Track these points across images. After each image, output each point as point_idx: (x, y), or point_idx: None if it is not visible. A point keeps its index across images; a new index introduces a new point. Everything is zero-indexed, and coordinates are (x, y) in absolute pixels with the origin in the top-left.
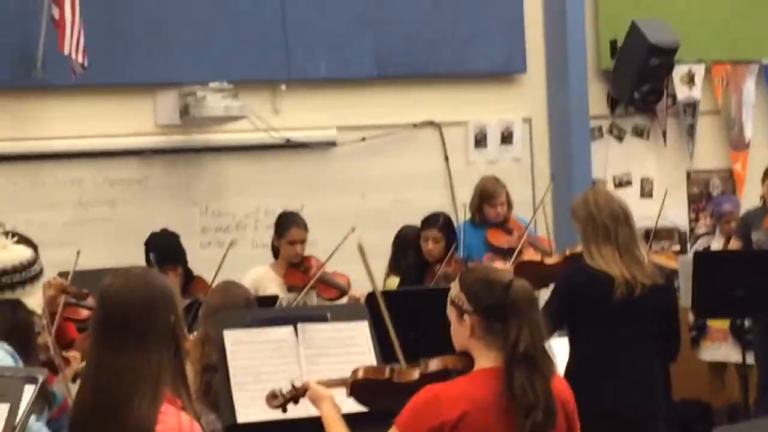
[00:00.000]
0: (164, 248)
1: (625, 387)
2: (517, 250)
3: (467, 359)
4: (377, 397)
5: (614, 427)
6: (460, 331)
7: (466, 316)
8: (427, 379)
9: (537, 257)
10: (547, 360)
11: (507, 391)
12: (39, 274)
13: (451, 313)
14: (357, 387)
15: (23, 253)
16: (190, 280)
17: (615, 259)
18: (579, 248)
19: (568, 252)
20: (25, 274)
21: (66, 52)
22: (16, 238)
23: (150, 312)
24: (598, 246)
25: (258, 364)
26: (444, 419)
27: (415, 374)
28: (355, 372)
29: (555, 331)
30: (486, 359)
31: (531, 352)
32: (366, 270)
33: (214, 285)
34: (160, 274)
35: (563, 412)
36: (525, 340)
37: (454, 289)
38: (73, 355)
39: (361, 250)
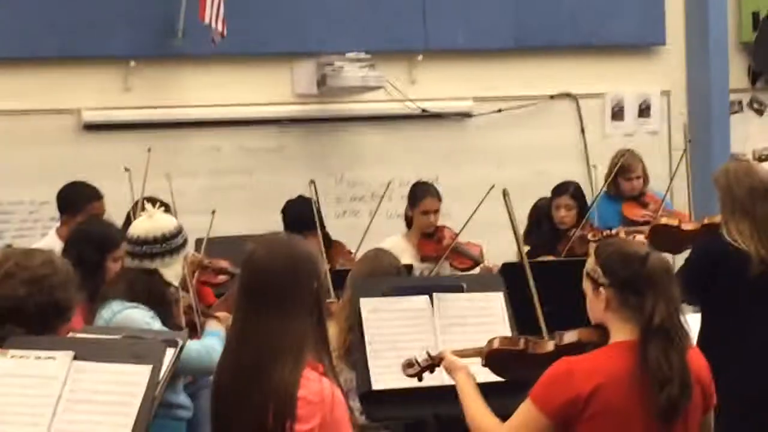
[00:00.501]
0: (300, 214)
1: (756, 367)
2: (653, 224)
3: (602, 332)
4: (512, 367)
5: (743, 408)
6: (596, 304)
7: (602, 289)
8: (562, 351)
9: (675, 221)
10: (683, 334)
11: (642, 364)
12: (180, 247)
13: (587, 285)
14: (492, 357)
15: (167, 224)
16: (329, 245)
17: (752, 235)
18: (718, 218)
19: (707, 220)
20: (165, 245)
21: (206, 21)
22: (163, 208)
23: (293, 279)
24: (736, 220)
25: (393, 332)
26: (578, 392)
27: (550, 346)
28: (490, 342)
29: (685, 303)
30: (621, 332)
31: (667, 325)
32: (509, 217)
33: (357, 253)
34: (303, 240)
35: (699, 385)
36: (660, 314)
37: (590, 261)
38: (222, 315)
39: (506, 196)
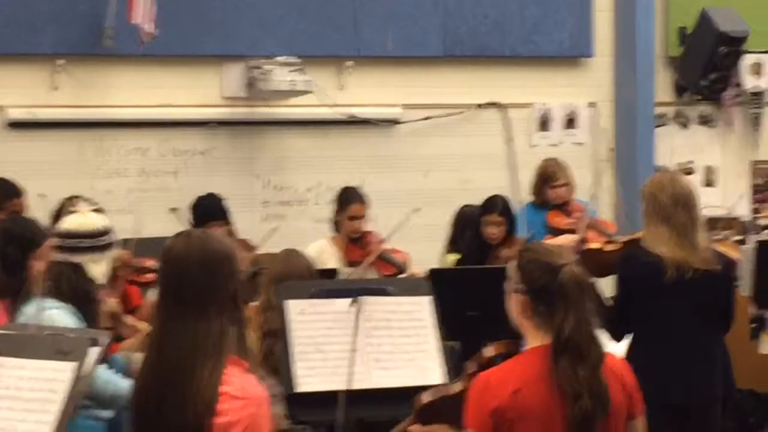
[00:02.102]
0: (208, 206)
1: (679, 373)
2: (579, 234)
3: (509, 345)
4: (445, 414)
5: (671, 413)
6: (513, 307)
7: (516, 294)
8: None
9: (598, 245)
10: (594, 348)
11: (557, 372)
12: (108, 245)
13: (507, 287)
14: (423, 414)
15: (98, 221)
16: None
17: (669, 240)
18: (638, 234)
19: (628, 237)
20: (93, 242)
21: (136, 21)
22: (95, 207)
23: (209, 275)
24: (656, 226)
25: (319, 334)
26: (500, 398)
27: (465, 381)
28: (417, 402)
29: (624, 333)
30: (535, 337)
31: (576, 338)
32: None
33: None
34: (222, 237)
35: (623, 392)
36: (569, 326)
37: (512, 265)
38: (138, 325)
39: None
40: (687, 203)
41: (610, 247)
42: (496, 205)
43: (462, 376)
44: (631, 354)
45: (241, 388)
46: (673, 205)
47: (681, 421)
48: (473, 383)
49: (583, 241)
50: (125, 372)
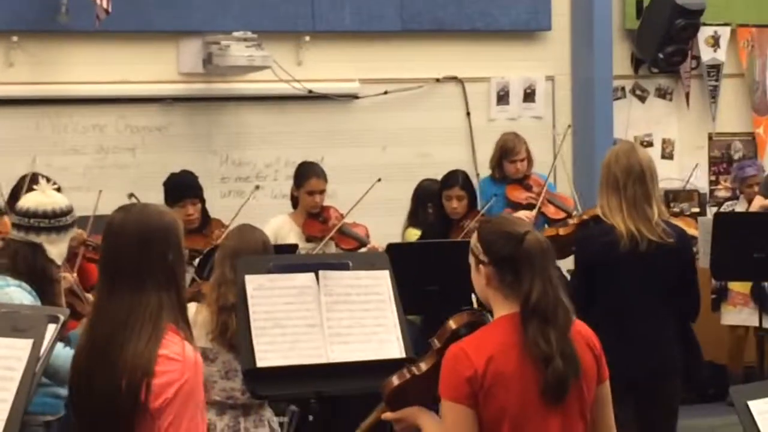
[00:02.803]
0: (183, 182)
1: (632, 346)
2: (536, 207)
3: (474, 313)
4: (415, 395)
5: (624, 386)
6: (478, 280)
7: (482, 266)
8: (443, 352)
9: (553, 231)
10: (562, 312)
11: (526, 339)
12: (68, 226)
13: (471, 261)
14: (392, 399)
15: (59, 201)
16: (207, 221)
17: (620, 211)
18: (590, 212)
19: (584, 216)
20: (54, 222)
21: None
22: (55, 186)
23: (146, 248)
24: (609, 196)
25: (278, 309)
26: (475, 366)
27: (432, 358)
28: (386, 386)
29: (586, 308)
30: (503, 307)
31: (544, 304)
32: None
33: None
34: (163, 209)
35: (592, 355)
36: (537, 292)
37: (473, 238)
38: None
39: None
40: (640, 176)
41: (564, 231)
42: (456, 179)
43: (429, 353)
44: (593, 326)
45: (178, 352)
46: (626, 177)
47: (634, 395)
48: (447, 354)
49: (543, 214)
50: None
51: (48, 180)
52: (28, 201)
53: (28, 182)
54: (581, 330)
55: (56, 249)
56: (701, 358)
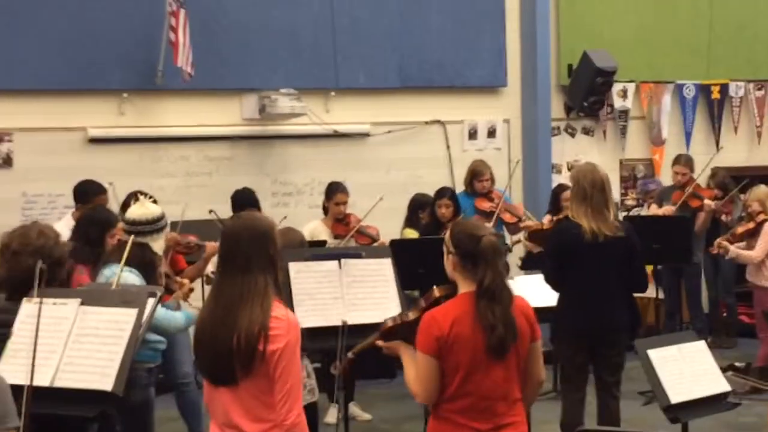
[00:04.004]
0: (244, 197)
1: (592, 309)
2: (496, 213)
3: (451, 287)
4: (402, 336)
5: (585, 340)
6: (448, 265)
7: (450, 256)
8: (427, 311)
9: (539, 225)
10: (506, 293)
11: (477, 311)
12: (164, 227)
13: (444, 249)
14: (386, 334)
15: (155, 210)
16: None
17: (586, 214)
18: (563, 214)
19: (555, 218)
20: (154, 226)
21: (179, 64)
22: (151, 198)
23: (254, 244)
24: (578, 203)
25: (312, 287)
26: (442, 329)
27: (418, 312)
28: (383, 326)
29: (559, 282)
30: (465, 286)
31: (492, 287)
32: None
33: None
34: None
35: (527, 322)
36: (488, 279)
37: (447, 234)
38: (183, 281)
39: None
40: (602, 187)
41: (547, 225)
42: (446, 192)
43: (417, 308)
44: (561, 295)
45: (283, 315)
46: (591, 189)
47: (593, 343)
48: (423, 319)
49: (501, 219)
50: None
51: (145, 195)
52: (133, 213)
53: (132, 198)
54: (520, 304)
55: (157, 244)
56: (640, 319)
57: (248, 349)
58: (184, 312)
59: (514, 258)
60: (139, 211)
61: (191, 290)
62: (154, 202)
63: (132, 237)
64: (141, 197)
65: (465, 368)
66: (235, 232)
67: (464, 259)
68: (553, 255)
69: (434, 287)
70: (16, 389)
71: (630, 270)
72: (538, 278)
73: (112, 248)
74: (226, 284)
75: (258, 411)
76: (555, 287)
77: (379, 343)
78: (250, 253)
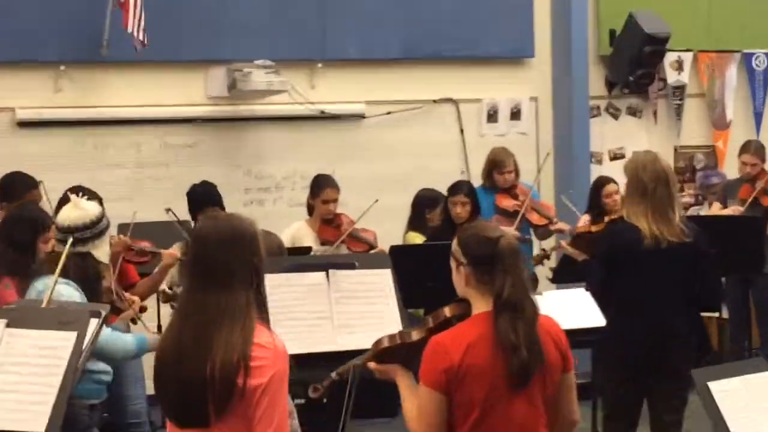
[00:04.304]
0: (204, 193)
1: (649, 330)
2: (521, 213)
3: (465, 306)
4: (401, 358)
5: (638, 368)
6: (459, 280)
7: (461, 267)
8: (434, 331)
9: (586, 228)
10: (530, 305)
11: (497, 332)
12: (105, 229)
13: (452, 264)
14: (381, 355)
15: (92, 210)
16: None
17: (646, 214)
18: (617, 214)
19: (607, 219)
20: (94, 230)
21: (129, 30)
22: (86, 196)
23: (234, 251)
24: (635, 201)
25: (293, 304)
26: (452, 359)
27: (422, 332)
28: (376, 344)
29: (602, 295)
30: (480, 304)
31: (514, 299)
32: None
33: None
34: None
35: (556, 349)
36: (508, 288)
37: (454, 243)
38: (133, 299)
39: None
40: (666, 182)
41: (596, 228)
42: (461, 187)
43: (421, 326)
44: (608, 313)
45: (269, 341)
46: (653, 183)
47: (648, 372)
48: (429, 344)
49: (527, 220)
50: None
51: (80, 193)
52: (66, 217)
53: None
54: (549, 327)
55: (100, 251)
56: (710, 343)
57: (225, 384)
58: (135, 335)
59: (545, 270)
60: (73, 213)
61: (144, 309)
62: (96, 199)
63: (68, 245)
64: (73, 196)
65: (480, 406)
66: (209, 237)
67: (478, 268)
68: (603, 262)
69: (445, 307)
70: None
71: (699, 282)
72: (575, 293)
73: (45, 257)
74: (197, 302)
75: None
76: (602, 302)
77: (371, 365)
78: (229, 263)
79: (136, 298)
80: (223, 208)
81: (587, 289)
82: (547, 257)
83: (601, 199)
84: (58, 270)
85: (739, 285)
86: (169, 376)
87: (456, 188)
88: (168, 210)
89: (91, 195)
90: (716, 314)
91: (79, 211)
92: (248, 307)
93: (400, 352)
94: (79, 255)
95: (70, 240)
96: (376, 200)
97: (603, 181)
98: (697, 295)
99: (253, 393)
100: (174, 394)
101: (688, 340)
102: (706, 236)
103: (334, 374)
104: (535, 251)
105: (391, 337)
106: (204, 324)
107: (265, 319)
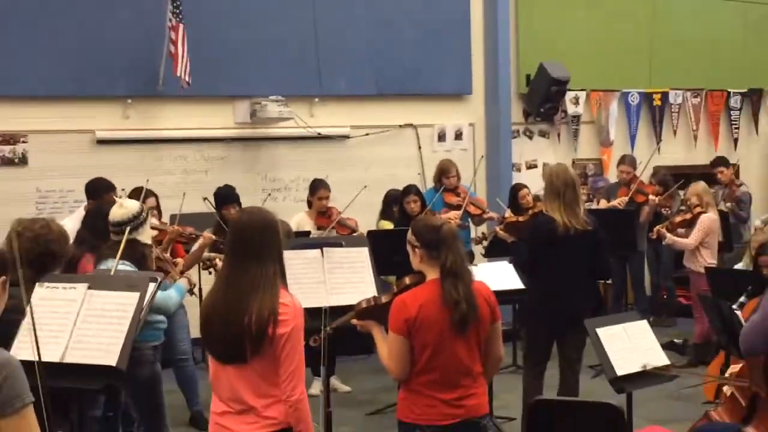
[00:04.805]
0: (225, 193)
1: (561, 294)
2: (463, 206)
3: (420, 276)
4: (375, 316)
5: (553, 318)
6: (414, 259)
7: (416, 249)
8: (398, 295)
9: (515, 218)
10: (467, 273)
11: (443, 292)
12: (145, 219)
13: (408, 248)
14: (360, 314)
15: (133, 206)
16: None
17: (560, 209)
18: (538, 208)
19: (531, 212)
20: (135, 222)
21: (177, 74)
22: (125, 195)
23: (265, 235)
24: (551, 200)
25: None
26: (411, 312)
27: (390, 296)
28: (357, 306)
29: (534, 270)
30: (431, 274)
31: (455, 268)
32: None
33: None
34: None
35: (486, 304)
36: (450, 261)
37: (409, 232)
38: (176, 261)
39: None
40: (573, 186)
41: (522, 218)
42: (411, 189)
43: (389, 293)
44: (534, 281)
45: (290, 301)
46: (564, 187)
47: (560, 324)
48: (394, 303)
49: (467, 211)
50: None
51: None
52: (115, 215)
53: (137, 193)
54: (480, 288)
55: (144, 236)
56: (604, 303)
57: (259, 332)
58: (175, 287)
59: (480, 248)
60: (120, 211)
61: (183, 271)
62: (153, 196)
63: (125, 235)
64: (117, 198)
65: (432, 347)
66: (246, 224)
67: (428, 248)
68: (530, 245)
69: (405, 277)
70: (30, 365)
71: (596, 260)
72: (502, 265)
73: (107, 245)
74: (238, 272)
75: (264, 388)
76: (529, 274)
77: (354, 321)
78: (262, 244)
79: (179, 260)
80: (240, 205)
81: (511, 262)
82: (485, 239)
83: (518, 199)
84: (120, 251)
85: (620, 260)
86: (216, 327)
87: (407, 190)
88: (205, 199)
89: (149, 193)
90: (606, 281)
91: (123, 209)
92: (275, 276)
93: (374, 311)
94: (129, 242)
95: (125, 235)
96: (365, 186)
97: (518, 187)
98: (594, 269)
99: (279, 339)
100: (220, 339)
101: (589, 300)
102: (600, 225)
103: (328, 329)
104: (475, 234)
105: (368, 300)
106: (243, 288)
107: (285, 283)
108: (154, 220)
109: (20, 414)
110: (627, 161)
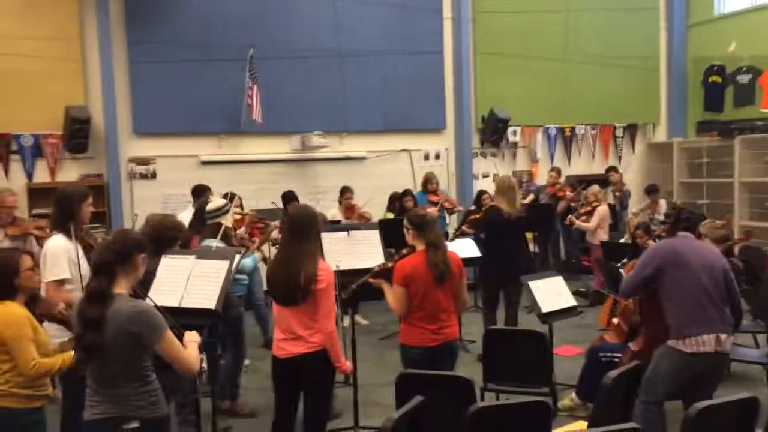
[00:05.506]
0: (289, 195)
1: (505, 259)
2: (440, 203)
3: (412, 248)
4: (384, 275)
5: (500, 275)
6: (408, 236)
7: (410, 231)
8: (398, 261)
9: (477, 216)
10: (443, 245)
11: (427, 258)
12: (228, 210)
13: (404, 230)
14: (374, 275)
15: (220, 202)
16: None
17: (505, 203)
18: (490, 203)
19: (486, 207)
20: (220, 211)
21: (253, 117)
22: (213, 194)
23: (311, 222)
24: (500, 197)
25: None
26: (406, 270)
27: (393, 262)
28: (372, 269)
29: (487, 245)
30: (419, 246)
31: (435, 242)
32: None
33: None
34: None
35: (456, 266)
36: (432, 237)
37: (405, 220)
38: (255, 238)
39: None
40: (513, 188)
41: (480, 216)
42: (408, 192)
43: (393, 259)
44: (488, 251)
45: (326, 267)
46: (507, 188)
47: (506, 278)
48: (396, 266)
49: (443, 206)
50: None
51: (226, 196)
52: (210, 207)
53: (228, 196)
54: (452, 255)
55: (227, 220)
56: (534, 265)
57: (306, 286)
58: (251, 258)
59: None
60: (213, 205)
61: (259, 247)
62: (237, 197)
63: (214, 221)
64: (210, 197)
65: (421, 293)
66: (297, 216)
67: (417, 229)
68: (486, 227)
69: (403, 249)
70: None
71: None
72: (466, 241)
73: (206, 229)
74: (293, 246)
75: (308, 322)
76: (486, 247)
77: (370, 280)
78: (309, 227)
79: (256, 238)
80: (298, 201)
81: (473, 239)
82: (464, 233)
83: (481, 200)
84: (220, 234)
85: (543, 236)
86: (279, 283)
87: (405, 193)
88: (273, 203)
89: (233, 195)
90: (533, 250)
91: (215, 204)
92: (316, 250)
93: (383, 272)
94: (217, 225)
95: (225, 217)
96: (369, 199)
97: (481, 192)
98: (527, 242)
99: (318, 292)
100: (281, 289)
101: (525, 264)
102: (530, 213)
103: (354, 286)
104: (451, 231)
105: (379, 266)
106: (297, 257)
107: (323, 255)
108: (237, 209)
109: (165, 338)
110: (556, 171)
